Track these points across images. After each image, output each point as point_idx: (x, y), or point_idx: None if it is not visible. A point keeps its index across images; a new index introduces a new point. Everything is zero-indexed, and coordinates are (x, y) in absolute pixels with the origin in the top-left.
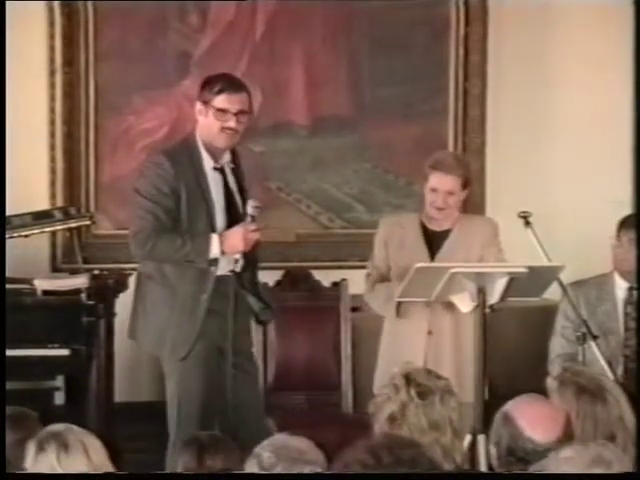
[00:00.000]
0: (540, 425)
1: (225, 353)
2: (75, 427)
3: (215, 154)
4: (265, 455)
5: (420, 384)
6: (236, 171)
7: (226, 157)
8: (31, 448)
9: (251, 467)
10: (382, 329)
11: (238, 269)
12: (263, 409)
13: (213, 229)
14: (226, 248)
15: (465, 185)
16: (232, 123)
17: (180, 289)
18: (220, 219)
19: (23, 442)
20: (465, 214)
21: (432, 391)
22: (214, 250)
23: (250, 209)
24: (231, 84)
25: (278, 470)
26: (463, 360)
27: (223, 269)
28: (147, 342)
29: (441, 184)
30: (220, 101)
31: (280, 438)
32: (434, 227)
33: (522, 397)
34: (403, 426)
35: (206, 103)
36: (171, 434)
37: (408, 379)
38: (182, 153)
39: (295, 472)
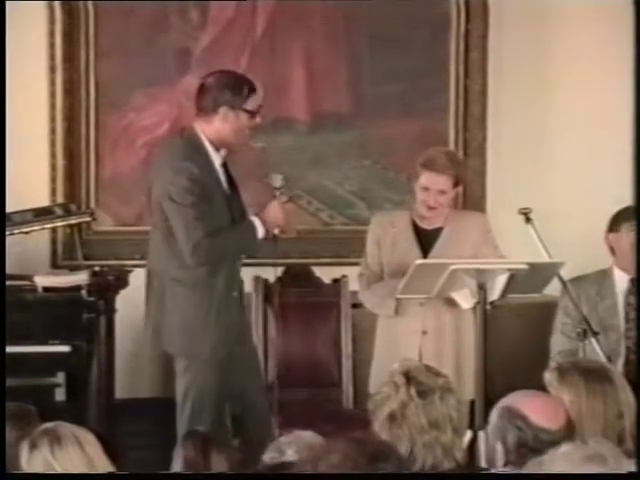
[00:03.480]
0: (546, 413)
1: (239, 348)
2: (67, 423)
3: (220, 152)
4: (288, 453)
5: (420, 383)
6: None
7: (223, 153)
8: (24, 447)
9: (271, 460)
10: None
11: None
12: (267, 403)
13: (234, 222)
14: (269, 225)
15: (457, 183)
16: (258, 119)
17: (213, 290)
18: (236, 212)
19: (23, 439)
20: (456, 210)
21: (432, 390)
22: (260, 231)
23: (278, 182)
24: (251, 84)
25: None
26: (463, 357)
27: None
28: (177, 345)
29: (432, 183)
30: (252, 104)
31: (307, 437)
32: (425, 225)
33: (518, 392)
34: (403, 425)
35: (235, 107)
36: (180, 431)
37: (408, 377)
38: (198, 156)
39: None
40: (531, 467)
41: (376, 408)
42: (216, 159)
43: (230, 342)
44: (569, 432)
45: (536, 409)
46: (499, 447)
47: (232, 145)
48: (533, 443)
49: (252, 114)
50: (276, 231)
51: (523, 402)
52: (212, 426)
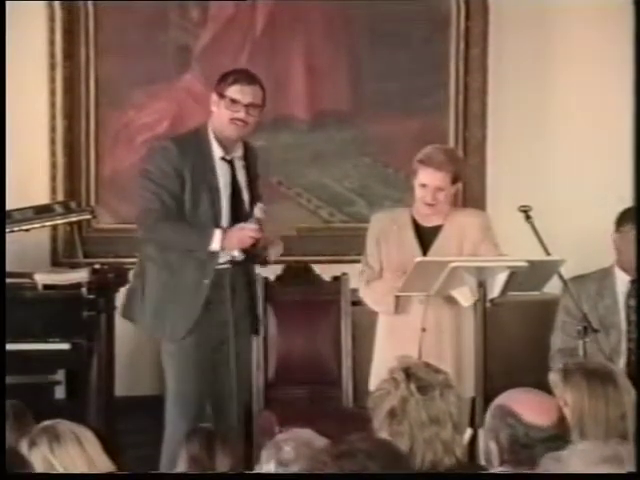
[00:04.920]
0: (538, 410)
1: (225, 341)
2: (66, 421)
3: (226, 146)
4: (285, 449)
5: (420, 379)
6: (248, 168)
7: (238, 151)
8: (23, 446)
9: (268, 457)
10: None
11: (238, 257)
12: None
13: (217, 216)
14: (224, 244)
15: (455, 180)
16: (241, 114)
17: (183, 273)
18: (225, 210)
19: (22, 438)
20: (456, 208)
21: (432, 386)
22: (215, 244)
23: (257, 211)
24: (245, 77)
25: (294, 468)
26: (463, 355)
27: (223, 259)
28: (146, 324)
29: (430, 180)
30: (232, 92)
31: (304, 434)
32: (425, 223)
33: (511, 390)
34: (403, 421)
35: (220, 94)
36: (167, 416)
37: (408, 374)
38: (191, 141)
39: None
40: (547, 462)
41: (376, 405)
42: (217, 151)
43: (190, 326)
44: (562, 429)
45: (527, 406)
46: (493, 446)
47: (225, 136)
48: (525, 440)
49: (233, 103)
50: (235, 253)
51: (514, 399)
52: (194, 411)
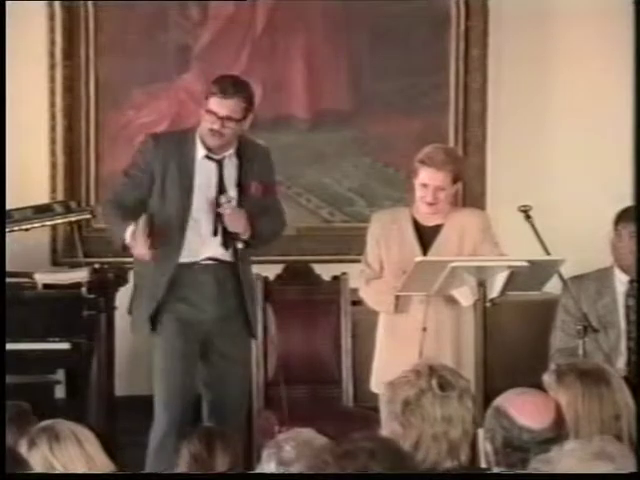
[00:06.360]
0: (532, 412)
1: (210, 340)
2: (66, 421)
3: (212, 146)
4: (286, 448)
5: (443, 377)
6: (241, 168)
7: (229, 150)
8: (23, 446)
9: (269, 457)
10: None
11: (221, 256)
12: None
13: (185, 215)
14: (132, 249)
15: (455, 180)
16: (216, 126)
17: (150, 269)
18: (204, 208)
19: (22, 438)
20: (456, 207)
21: (453, 386)
22: (126, 239)
23: (222, 200)
24: (227, 87)
25: (295, 468)
26: (463, 355)
27: (203, 255)
28: (133, 322)
29: (431, 180)
30: (211, 103)
31: (305, 433)
32: (426, 222)
33: (511, 390)
34: (416, 412)
35: (203, 102)
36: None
37: (431, 369)
38: (173, 138)
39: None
40: (537, 464)
41: (392, 393)
42: (200, 150)
43: (149, 321)
44: (557, 432)
45: (521, 408)
46: (489, 447)
47: (206, 141)
48: (517, 442)
49: (209, 113)
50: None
51: (511, 401)
52: (177, 406)
